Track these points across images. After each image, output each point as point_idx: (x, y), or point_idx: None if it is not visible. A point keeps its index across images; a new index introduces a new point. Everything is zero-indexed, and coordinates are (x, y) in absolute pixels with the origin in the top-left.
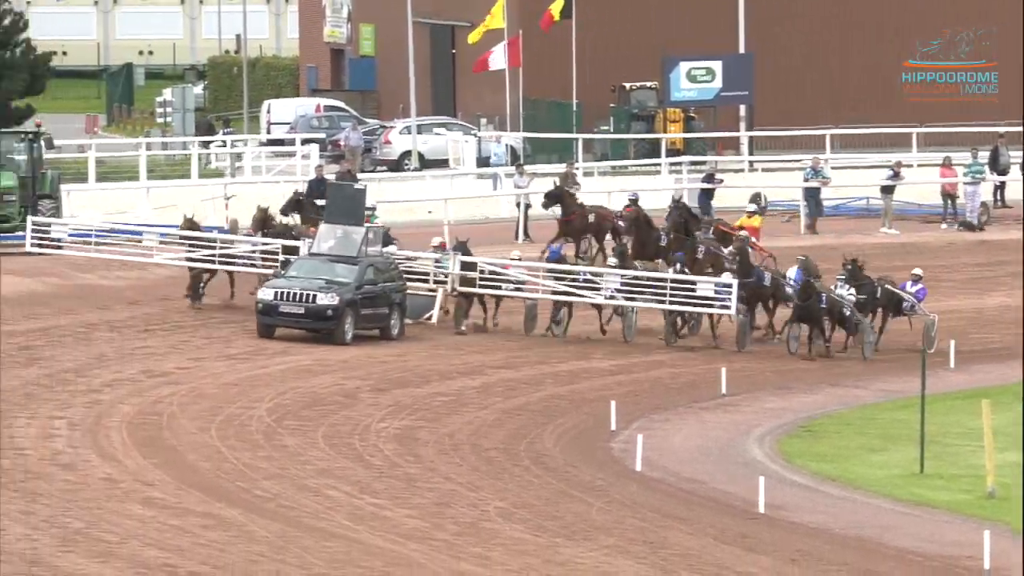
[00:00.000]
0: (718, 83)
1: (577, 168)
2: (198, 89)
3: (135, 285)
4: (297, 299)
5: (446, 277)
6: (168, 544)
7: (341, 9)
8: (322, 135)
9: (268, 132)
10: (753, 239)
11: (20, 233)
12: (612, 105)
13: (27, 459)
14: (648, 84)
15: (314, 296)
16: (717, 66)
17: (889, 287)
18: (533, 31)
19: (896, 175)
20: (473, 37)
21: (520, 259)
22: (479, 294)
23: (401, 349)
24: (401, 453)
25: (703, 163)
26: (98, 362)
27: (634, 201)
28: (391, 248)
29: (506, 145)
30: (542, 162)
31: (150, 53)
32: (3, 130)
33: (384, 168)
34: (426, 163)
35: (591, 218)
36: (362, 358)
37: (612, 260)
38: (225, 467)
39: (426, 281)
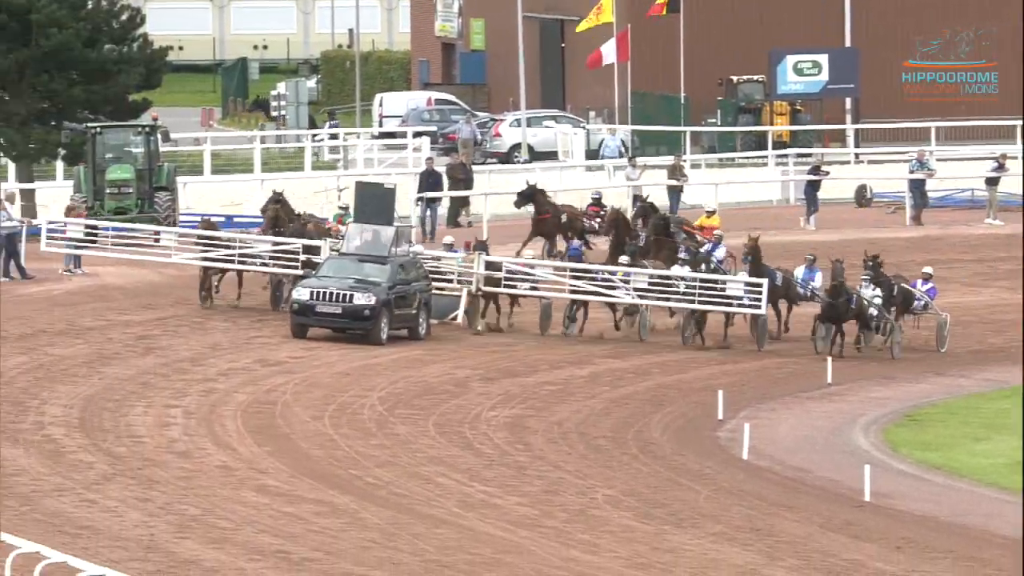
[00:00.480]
0: (824, 76)
1: (684, 160)
2: (311, 83)
3: (249, 277)
4: (334, 299)
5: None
6: (282, 531)
7: (452, 4)
8: (433, 128)
9: (380, 125)
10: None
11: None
12: (719, 98)
13: (144, 447)
14: (755, 77)
15: (351, 296)
16: (823, 59)
17: (904, 286)
18: (641, 25)
19: (1001, 167)
20: (582, 26)
21: (533, 258)
22: (503, 294)
23: (510, 339)
24: (511, 441)
25: (809, 155)
26: (212, 351)
27: (597, 200)
28: (417, 248)
29: (620, 138)
30: (650, 154)
31: (264, 48)
32: (121, 124)
33: (494, 160)
34: (535, 155)
35: (563, 218)
36: (471, 348)
37: (624, 259)
38: (338, 455)
39: (449, 281)
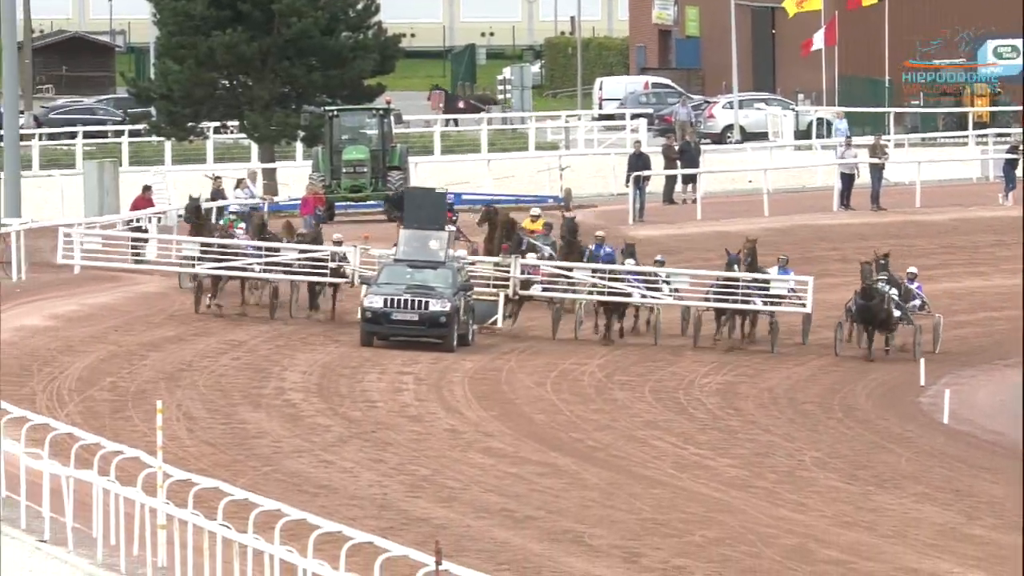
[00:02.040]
0: (1022, 60)
1: (886, 140)
2: (535, 68)
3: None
4: (409, 306)
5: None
6: (507, 490)
7: None
8: (649, 110)
9: (600, 107)
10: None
11: (372, 202)
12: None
13: (377, 411)
14: (956, 61)
15: (426, 302)
16: (1021, 44)
17: (905, 284)
18: (847, 12)
19: None
20: (791, 8)
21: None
22: (539, 297)
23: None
24: (722, 406)
25: (1008, 135)
26: None
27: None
28: (461, 252)
29: (847, 122)
30: (856, 135)
31: (491, 34)
32: (356, 107)
33: (708, 140)
34: (747, 135)
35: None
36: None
37: (630, 261)
38: (559, 419)
39: (487, 285)
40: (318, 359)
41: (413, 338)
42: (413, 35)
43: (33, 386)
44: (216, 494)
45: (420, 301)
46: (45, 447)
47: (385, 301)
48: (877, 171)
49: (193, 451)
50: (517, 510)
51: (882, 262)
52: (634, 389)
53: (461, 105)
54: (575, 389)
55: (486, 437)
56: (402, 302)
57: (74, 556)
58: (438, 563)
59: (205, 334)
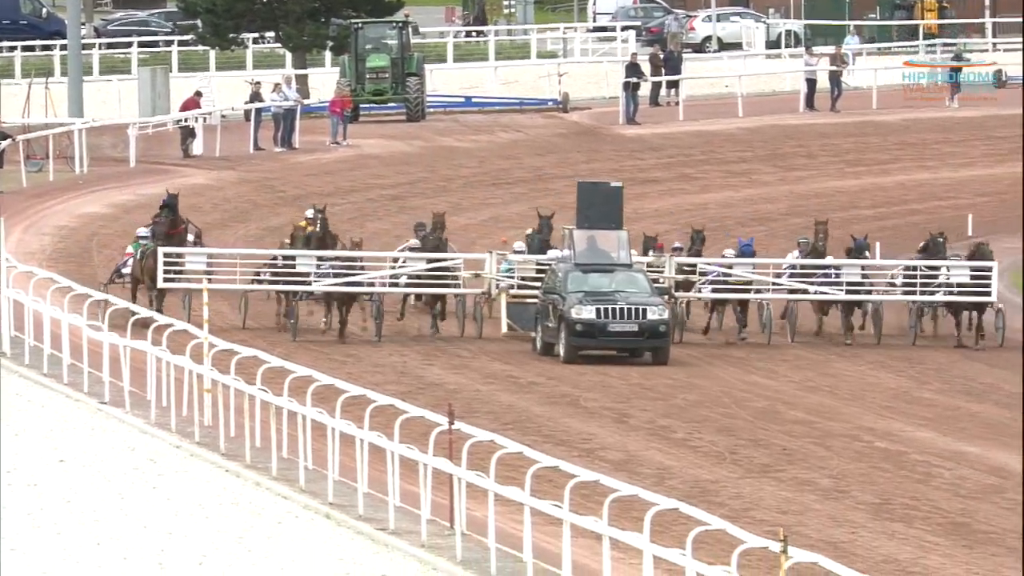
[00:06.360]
0: None
1: (846, 51)
2: None
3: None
4: (626, 315)
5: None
6: (511, 359)
7: None
8: (638, 23)
9: (594, 20)
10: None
11: (392, 104)
12: None
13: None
14: None
15: (644, 311)
16: None
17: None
18: None
19: None
20: None
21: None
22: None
23: None
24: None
25: (954, 45)
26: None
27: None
28: (553, 252)
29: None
30: (819, 44)
31: None
32: (378, 20)
33: (689, 50)
34: (723, 46)
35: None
36: None
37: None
38: None
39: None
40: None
41: (630, 351)
42: None
43: (94, 266)
44: (255, 362)
45: (638, 309)
46: (104, 320)
47: (598, 312)
48: (836, 77)
49: (235, 323)
50: (521, 376)
51: (941, 239)
52: None
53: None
54: None
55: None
56: (619, 311)
57: (131, 416)
58: (451, 423)
59: (244, 220)
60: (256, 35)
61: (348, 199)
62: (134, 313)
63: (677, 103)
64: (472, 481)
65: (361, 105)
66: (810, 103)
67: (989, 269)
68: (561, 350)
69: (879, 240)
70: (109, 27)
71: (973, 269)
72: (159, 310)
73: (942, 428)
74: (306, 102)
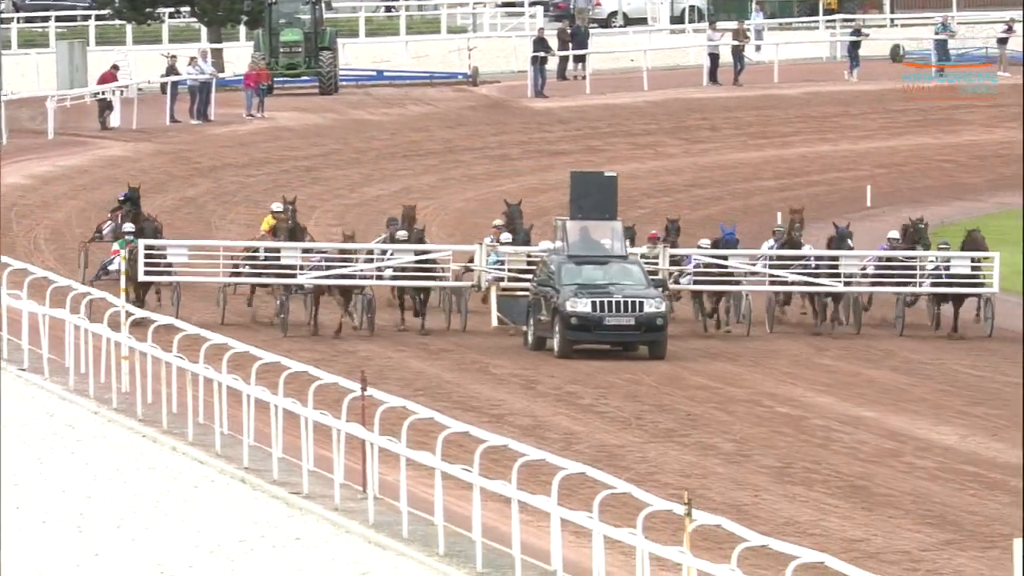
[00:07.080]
0: None
1: (748, 25)
2: None
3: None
4: (623, 309)
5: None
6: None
7: None
8: None
9: None
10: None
11: (306, 78)
12: None
13: None
14: None
15: (641, 303)
16: None
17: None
18: None
19: (1009, 29)
20: None
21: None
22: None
23: None
24: None
25: (853, 20)
26: None
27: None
28: (544, 243)
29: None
30: (722, 19)
31: None
32: None
33: (596, 25)
34: (629, 21)
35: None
36: None
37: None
38: None
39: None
40: (261, 213)
41: (626, 344)
42: None
43: (13, 236)
44: (171, 330)
45: (635, 302)
46: (24, 289)
47: (594, 305)
48: (738, 52)
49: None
50: (431, 343)
51: (922, 226)
52: None
53: None
54: None
55: None
56: (615, 305)
57: (49, 383)
58: (363, 389)
59: (161, 192)
60: (172, 9)
61: (263, 170)
62: (52, 282)
63: (584, 77)
64: (384, 446)
65: (275, 79)
66: (713, 77)
67: (990, 259)
68: (555, 344)
69: (779, 211)
70: (27, 1)
71: (974, 260)
72: (140, 304)
73: (841, 394)
74: (221, 75)
